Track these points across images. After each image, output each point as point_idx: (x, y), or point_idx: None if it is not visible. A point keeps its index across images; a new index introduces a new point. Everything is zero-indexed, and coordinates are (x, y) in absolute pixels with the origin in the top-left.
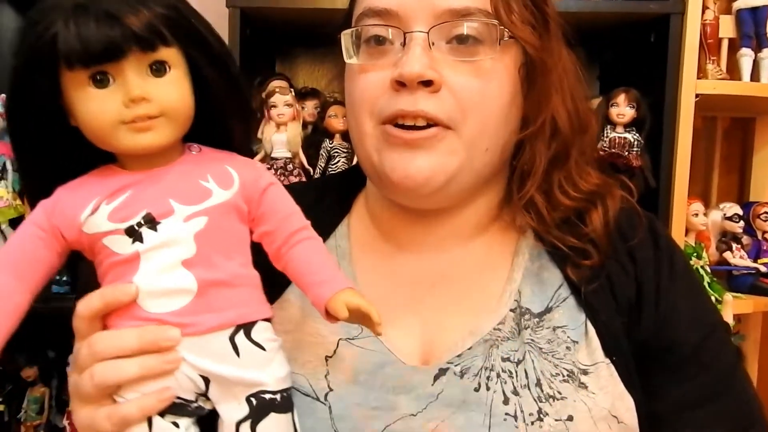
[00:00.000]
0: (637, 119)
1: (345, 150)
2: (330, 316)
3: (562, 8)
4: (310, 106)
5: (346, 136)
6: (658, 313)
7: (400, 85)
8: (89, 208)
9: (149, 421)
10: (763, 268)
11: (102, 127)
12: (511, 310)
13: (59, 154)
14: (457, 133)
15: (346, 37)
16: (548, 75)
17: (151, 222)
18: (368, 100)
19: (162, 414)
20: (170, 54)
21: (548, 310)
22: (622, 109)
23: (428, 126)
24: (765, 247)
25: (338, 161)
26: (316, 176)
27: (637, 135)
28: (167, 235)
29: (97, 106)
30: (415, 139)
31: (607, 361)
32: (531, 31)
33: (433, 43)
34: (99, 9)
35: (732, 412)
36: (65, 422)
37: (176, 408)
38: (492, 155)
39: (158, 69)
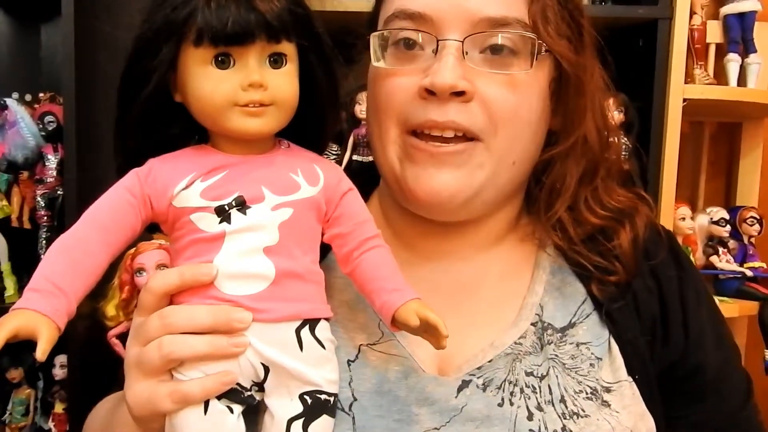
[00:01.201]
0: (626, 123)
1: (333, 154)
2: (395, 324)
3: None
4: None
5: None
6: (687, 335)
7: (430, 93)
8: (184, 182)
9: (206, 402)
10: (749, 272)
11: (214, 106)
12: (532, 324)
13: (156, 128)
14: (486, 145)
15: (374, 39)
16: (583, 92)
17: (242, 205)
18: (395, 106)
19: (218, 397)
20: (289, 48)
21: (571, 325)
22: (611, 113)
23: (455, 138)
24: (751, 252)
25: None
26: None
27: (625, 139)
28: (254, 220)
29: (214, 85)
30: (442, 153)
31: (630, 379)
32: (567, 45)
33: (466, 53)
34: None
35: None
36: (50, 424)
37: (232, 393)
38: (518, 169)
39: (276, 61)
